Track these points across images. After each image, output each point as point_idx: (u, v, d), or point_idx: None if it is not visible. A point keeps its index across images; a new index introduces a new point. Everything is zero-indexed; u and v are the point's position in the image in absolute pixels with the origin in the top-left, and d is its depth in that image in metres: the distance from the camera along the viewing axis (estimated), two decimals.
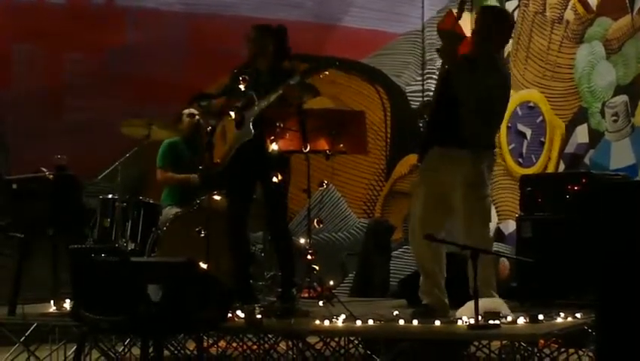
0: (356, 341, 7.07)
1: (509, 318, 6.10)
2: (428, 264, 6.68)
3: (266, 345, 7.22)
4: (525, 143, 10.55)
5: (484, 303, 5.92)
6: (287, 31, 7.17)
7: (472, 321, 5.80)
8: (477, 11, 6.97)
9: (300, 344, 6.92)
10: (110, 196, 8.21)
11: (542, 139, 10.39)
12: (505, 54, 10.74)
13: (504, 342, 6.50)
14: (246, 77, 6.96)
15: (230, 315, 6.18)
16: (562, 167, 10.14)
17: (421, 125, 6.92)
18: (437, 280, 6.64)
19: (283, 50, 7.11)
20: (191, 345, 7.07)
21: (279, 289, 7.14)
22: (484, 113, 6.53)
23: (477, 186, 6.56)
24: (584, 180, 7.66)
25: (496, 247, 7.12)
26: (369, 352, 7.05)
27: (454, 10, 6.97)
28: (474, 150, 6.53)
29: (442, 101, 6.62)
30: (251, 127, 6.92)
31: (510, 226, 10.08)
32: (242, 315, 6.40)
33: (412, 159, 11.06)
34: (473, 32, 6.83)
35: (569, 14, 10.22)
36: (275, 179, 6.84)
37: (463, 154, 6.51)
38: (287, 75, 6.90)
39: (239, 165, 7.03)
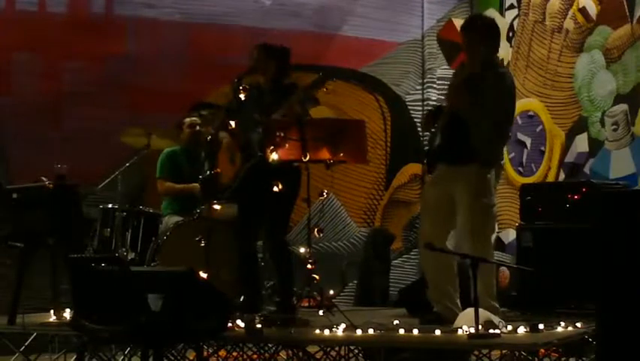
0: (356, 351, 7.06)
1: (509, 327, 6.10)
2: (433, 274, 6.75)
3: (266, 354, 7.21)
4: (525, 152, 10.55)
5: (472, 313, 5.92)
6: (290, 52, 7.25)
7: (472, 330, 5.79)
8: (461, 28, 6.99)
9: (300, 353, 6.91)
10: (110, 206, 8.21)
11: (542, 148, 10.39)
12: (505, 63, 10.77)
13: (504, 351, 6.49)
14: (247, 87, 7.00)
15: (230, 324, 6.18)
16: (562, 176, 10.15)
17: (427, 135, 6.94)
18: (445, 290, 6.67)
19: (285, 70, 7.19)
20: (191, 355, 7.06)
21: (278, 299, 7.17)
22: (495, 128, 6.59)
23: (482, 195, 6.60)
24: (584, 190, 7.66)
25: (497, 256, 7.12)
26: None
27: (455, 19, 7.00)
28: (479, 164, 6.58)
29: (453, 121, 6.64)
30: (258, 151, 6.97)
31: (510, 235, 10.09)
32: (242, 324, 6.39)
33: (411, 168, 11.08)
34: (464, 49, 6.87)
35: (568, 23, 10.23)
36: (275, 188, 6.87)
37: (472, 168, 6.57)
38: (288, 93, 6.97)
39: (250, 181, 7.07)
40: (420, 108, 11.24)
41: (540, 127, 10.42)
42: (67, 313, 7.05)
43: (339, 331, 6.26)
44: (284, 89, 7.07)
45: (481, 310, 5.93)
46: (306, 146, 7.03)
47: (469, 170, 6.60)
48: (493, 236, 6.77)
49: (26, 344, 7.18)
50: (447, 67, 11.18)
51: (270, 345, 7.10)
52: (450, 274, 6.71)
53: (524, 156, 10.55)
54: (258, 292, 7.26)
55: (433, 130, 6.92)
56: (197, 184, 8.26)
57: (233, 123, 7.03)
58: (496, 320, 6.11)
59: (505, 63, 10.77)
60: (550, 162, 10.29)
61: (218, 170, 7.20)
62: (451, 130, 6.65)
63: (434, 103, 10.71)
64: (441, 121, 6.74)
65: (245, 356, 7.41)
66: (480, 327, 5.75)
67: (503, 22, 10.91)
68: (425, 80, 11.33)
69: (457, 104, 6.60)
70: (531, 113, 10.50)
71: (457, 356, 6.56)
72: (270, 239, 7.23)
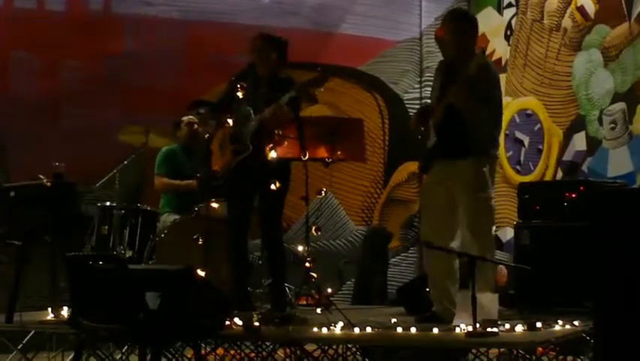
0: (354, 349, 7.06)
1: (507, 326, 6.10)
2: (432, 272, 6.75)
3: (264, 353, 7.21)
4: (523, 150, 10.56)
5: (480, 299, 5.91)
6: (288, 44, 7.24)
7: (470, 328, 5.79)
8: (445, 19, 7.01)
9: (298, 352, 6.91)
10: (108, 203, 8.21)
11: (540, 146, 10.40)
12: (503, 61, 10.77)
13: (502, 350, 6.49)
14: (244, 85, 6.99)
15: (228, 322, 6.18)
16: (560, 174, 10.15)
17: (420, 135, 6.90)
18: (444, 289, 6.67)
19: (284, 61, 7.17)
20: (189, 353, 7.06)
21: (273, 298, 7.18)
22: (492, 118, 6.60)
23: (479, 188, 6.59)
24: (581, 188, 7.66)
25: (495, 254, 7.10)
26: (367, 360, 7.05)
27: None
28: (477, 156, 6.58)
29: (447, 116, 6.62)
30: (249, 143, 6.94)
31: (508, 234, 10.09)
32: (240, 322, 6.39)
33: (409, 166, 11.08)
34: (449, 41, 6.84)
35: (566, 22, 10.23)
36: (273, 186, 6.85)
37: (468, 161, 6.56)
38: (284, 86, 6.94)
39: (239, 177, 7.04)
40: (418, 106, 11.23)
41: (538, 125, 10.43)
42: (64, 311, 7.05)
43: (337, 329, 6.26)
44: (280, 82, 7.05)
45: (484, 299, 5.94)
46: (305, 144, 7.02)
47: (466, 164, 6.59)
48: (493, 228, 6.77)
49: (24, 342, 7.17)
50: None
51: (267, 343, 7.10)
52: (449, 272, 6.70)
53: (522, 155, 10.56)
54: (245, 290, 7.23)
55: (423, 129, 6.88)
56: (193, 181, 8.29)
57: (230, 121, 7.02)
58: (496, 314, 6.12)
59: (503, 62, 10.78)
60: (548, 161, 10.30)
61: (216, 168, 7.18)
62: (446, 125, 6.63)
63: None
64: (434, 118, 6.72)
65: (242, 355, 7.41)
66: (477, 325, 5.76)
67: (501, 21, 10.92)
68: (423, 79, 11.34)
69: (459, 103, 6.57)
70: (529, 111, 10.51)
71: (455, 355, 6.56)
72: (265, 236, 7.23)
